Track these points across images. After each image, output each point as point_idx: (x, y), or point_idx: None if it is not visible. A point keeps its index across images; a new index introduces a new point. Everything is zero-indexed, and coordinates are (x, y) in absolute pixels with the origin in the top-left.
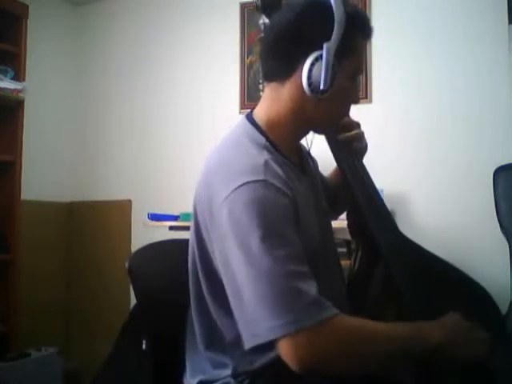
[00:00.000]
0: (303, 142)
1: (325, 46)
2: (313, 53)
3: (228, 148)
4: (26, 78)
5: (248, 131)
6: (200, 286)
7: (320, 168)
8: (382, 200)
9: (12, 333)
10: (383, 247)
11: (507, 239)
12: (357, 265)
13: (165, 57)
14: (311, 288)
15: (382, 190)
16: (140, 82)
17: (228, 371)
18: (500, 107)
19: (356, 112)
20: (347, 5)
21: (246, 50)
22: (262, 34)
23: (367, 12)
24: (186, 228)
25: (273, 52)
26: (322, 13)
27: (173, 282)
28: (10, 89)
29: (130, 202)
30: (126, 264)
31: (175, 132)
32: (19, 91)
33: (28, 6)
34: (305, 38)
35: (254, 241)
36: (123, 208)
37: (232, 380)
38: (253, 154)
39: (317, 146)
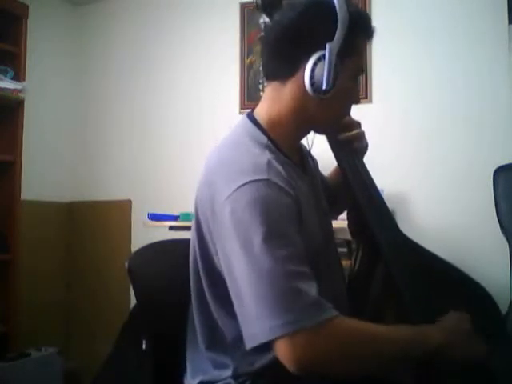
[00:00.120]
0: (304, 141)
1: (328, 45)
2: (315, 53)
3: (229, 147)
4: (26, 77)
5: (249, 130)
6: (201, 285)
7: (320, 167)
8: (382, 199)
9: (12, 333)
10: (383, 246)
11: (507, 239)
12: (357, 265)
13: (165, 57)
14: (311, 289)
15: (382, 190)
16: (140, 82)
17: (228, 372)
18: (500, 107)
19: (356, 112)
20: (350, 4)
21: (245, 49)
22: (263, 34)
23: (367, 12)
24: (186, 228)
25: (274, 52)
26: (325, 12)
27: (173, 282)
28: (10, 89)
29: (129, 202)
30: (126, 264)
31: (175, 132)
32: (19, 91)
33: (28, 6)
34: (307, 38)
35: (256, 240)
36: (123, 208)
37: (233, 381)
38: (255, 153)
39: (317, 145)
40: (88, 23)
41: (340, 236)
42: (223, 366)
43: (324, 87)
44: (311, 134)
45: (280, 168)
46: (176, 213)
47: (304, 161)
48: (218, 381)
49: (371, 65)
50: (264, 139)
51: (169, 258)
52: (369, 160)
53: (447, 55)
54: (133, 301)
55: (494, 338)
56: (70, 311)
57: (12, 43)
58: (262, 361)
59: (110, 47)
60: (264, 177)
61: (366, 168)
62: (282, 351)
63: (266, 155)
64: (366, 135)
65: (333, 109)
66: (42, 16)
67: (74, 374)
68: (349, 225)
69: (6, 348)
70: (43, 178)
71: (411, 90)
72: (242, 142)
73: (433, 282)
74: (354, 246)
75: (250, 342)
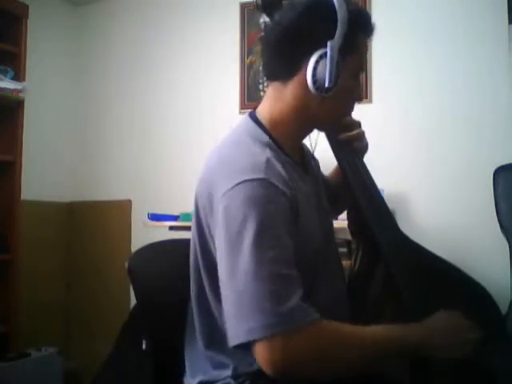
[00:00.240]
0: (307, 143)
1: (329, 43)
2: (316, 51)
3: (229, 146)
4: (26, 77)
5: (250, 129)
6: (202, 282)
7: (321, 167)
8: (382, 199)
9: (12, 333)
10: (383, 245)
11: (507, 239)
12: (357, 265)
13: (165, 57)
14: (295, 292)
15: (382, 190)
16: (140, 82)
17: (228, 372)
18: (500, 107)
19: (356, 112)
20: (349, 3)
21: (246, 50)
22: (263, 34)
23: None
24: (186, 228)
25: (275, 52)
26: (325, 11)
27: (173, 282)
28: (10, 89)
29: (129, 202)
30: (126, 264)
31: (175, 132)
32: (19, 91)
33: (28, 6)
34: (308, 38)
35: (246, 240)
36: (123, 208)
37: (232, 381)
38: (255, 151)
39: (318, 145)
40: (88, 23)
41: (340, 236)
42: (222, 366)
43: (326, 85)
44: (315, 136)
45: (279, 167)
46: (176, 213)
47: (305, 160)
48: (218, 381)
49: (371, 65)
50: (265, 138)
51: (169, 257)
52: (369, 160)
53: (447, 55)
54: (133, 301)
55: (494, 338)
56: (70, 311)
57: (12, 43)
58: None
59: (110, 47)
60: (261, 176)
61: (366, 168)
62: (260, 354)
63: (266, 154)
64: (366, 135)
65: (335, 107)
66: (42, 16)
67: (74, 373)
68: (349, 225)
69: (6, 348)
70: (43, 178)
71: (411, 90)
72: (242, 141)
73: (433, 281)
74: (353, 246)
75: (231, 340)
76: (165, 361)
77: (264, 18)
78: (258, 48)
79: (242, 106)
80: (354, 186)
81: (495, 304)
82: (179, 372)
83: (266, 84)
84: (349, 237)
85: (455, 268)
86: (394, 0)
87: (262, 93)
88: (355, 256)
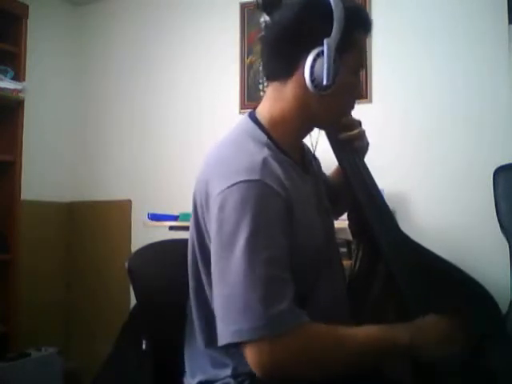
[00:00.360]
0: (308, 143)
1: (325, 41)
2: (313, 50)
3: (228, 145)
4: (26, 78)
5: (249, 129)
6: (200, 276)
7: (322, 167)
8: (383, 198)
9: (12, 333)
10: (384, 245)
11: (507, 239)
12: (357, 265)
13: (165, 57)
14: (286, 294)
15: (382, 190)
16: (140, 82)
17: (228, 371)
18: (500, 107)
19: (356, 112)
20: (346, 0)
21: (246, 50)
22: (263, 33)
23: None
24: (186, 228)
25: (274, 52)
26: (321, 9)
27: (173, 282)
28: (10, 89)
29: (129, 202)
30: (126, 264)
31: (175, 132)
32: (19, 91)
33: (28, 6)
34: (305, 36)
35: (239, 241)
36: (123, 208)
37: (232, 380)
38: (252, 151)
39: (319, 145)
40: (88, 23)
41: (340, 236)
42: (222, 366)
43: (325, 82)
44: (315, 134)
45: (277, 166)
46: (176, 213)
47: (306, 160)
48: (217, 380)
49: (371, 65)
50: (264, 138)
51: (169, 257)
52: (369, 160)
53: (447, 55)
54: (133, 301)
55: (494, 338)
56: (70, 311)
57: (12, 43)
58: None
59: (110, 47)
60: (256, 177)
61: (367, 168)
62: (248, 355)
63: (264, 153)
64: (366, 135)
65: (335, 105)
66: (42, 16)
67: (74, 373)
68: (349, 225)
69: (6, 348)
70: (43, 178)
71: (411, 89)
72: (240, 141)
73: (433, 281)
74: (354, 246)
75: (219, 340)
76: (165, 361)
77: (264, 18)
78: (258, 48)
79: (242, 106)
80: (355, 185)
81: (495, 304)
82: (179, 372)
83: (266, 84)
84: (349, 237)
85: (456, 268)
86: (393, 0)
87: (261, 93)
88: (355, 256)
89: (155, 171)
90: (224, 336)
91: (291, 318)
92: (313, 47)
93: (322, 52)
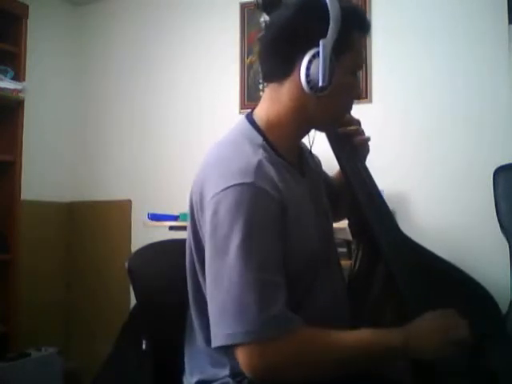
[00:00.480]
0: (305, 139)
1: (321, 42)
2: (309, 51)
3: (224, 147)
4: (26, 78)
5: (246, 131)
6: (197, 276)
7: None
8: (382, 199)
9: (12, 333)
10: (383, 245)
11: (507, 239)
12: (357, 265)
13: (165, 57)
14: (279, 299)
15: (382, 190)
16: (140, 82)
17: (226, 371)
18: (500, 107)
19: (356, 112)
20: (342, 1)
21: (246, 49)
22: (263, 33)
23: (367, 12)
24: (186, 228)
25: (271, 52)
26: (318, 10)
27: (173, 282)
28: (10, 89)
29: (129, 202)
30: (126, 264)
31: (175, 132)
32: (19, 91)
33: (28, 6)
34: (301, 37)
35: (232, 245)
36: (123, 208)
37: (230, 380)
38: (248, 153)
39: (319, 145)
40: (88, 23)
41: (340, 236)
42: (221, 365)
43: (320, 84)
44: (312, 132)
45: (271, 169)
46: (176, 213)
47: (303, 162)
48: (216, 380)
49: (371, 65)
50: (259, 140)
51: (169, 257)
52: (369, 160)
53: (447, 55)
54: (133, 301)
55: (494, 338)
56: (70, 311)
57: (12, 43)
58: None
59: (110, 47)
60: (249, 180)
61: (366, 168)
62: (240, 358)
63: (259, 155)
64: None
65: (332, 106)
66: (42, 16)
67: (74, 373)
68: (349, 225)
69: (6, 348)
70: (43, 178)
71: (411, 89)
72: (236, 142)
73: (433, 281)
74: (353, 246)
75: (212, 342)
76: (165, 361)
77: (264, 17)
78: (257, 48)
79: (242, 106)
80: (355, 185)
81: (495, 304)
82: (179, 372)
83: (265, 84)
84: (349, 237)
85: (455, 268)
86: (393, 0)
87: (261, 93)
88: (355, 256)
89: (155, 171)
90: (217, 338)
91: (283, 323)
92: (309, 48)
93: (318, 53)
